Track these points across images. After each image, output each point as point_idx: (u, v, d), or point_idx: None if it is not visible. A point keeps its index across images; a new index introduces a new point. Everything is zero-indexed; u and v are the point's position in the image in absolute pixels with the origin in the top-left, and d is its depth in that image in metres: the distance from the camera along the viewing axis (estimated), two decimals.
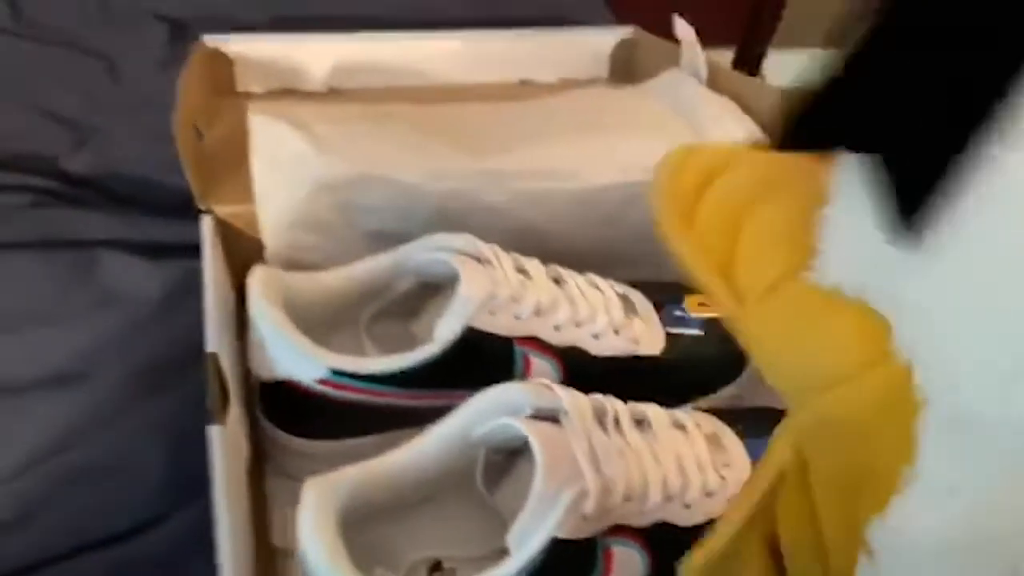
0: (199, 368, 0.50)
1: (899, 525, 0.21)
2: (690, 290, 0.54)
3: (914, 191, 0.18)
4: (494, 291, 0.43)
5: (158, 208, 0.62)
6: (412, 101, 0.61)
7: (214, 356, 0.40)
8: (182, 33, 0.79)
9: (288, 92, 0.65)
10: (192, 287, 0.54)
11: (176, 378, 0.49)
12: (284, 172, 0.47)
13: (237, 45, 0.64)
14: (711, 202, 0.30)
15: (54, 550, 0.42)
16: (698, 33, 0.64)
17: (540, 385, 0.40)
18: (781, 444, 0.26)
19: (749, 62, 1.40)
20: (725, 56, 1.48)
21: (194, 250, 0.56)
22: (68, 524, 0.43)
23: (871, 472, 0.22)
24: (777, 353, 0.26)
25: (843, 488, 0.23)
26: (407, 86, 0.68)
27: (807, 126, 0.21)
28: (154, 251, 0.56)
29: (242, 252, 0.50)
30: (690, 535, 0.40)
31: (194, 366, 0.50)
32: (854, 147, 0.20)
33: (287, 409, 0.45)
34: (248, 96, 0.64)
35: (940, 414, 0.20)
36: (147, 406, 0.48)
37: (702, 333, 0.52)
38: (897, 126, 0.19)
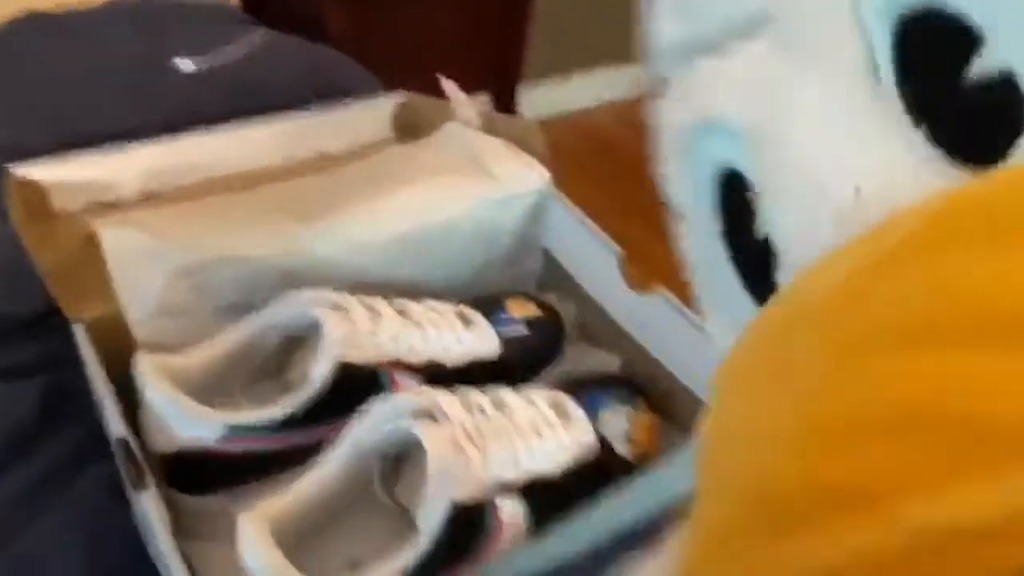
0: (86, 468, 0.54)
1: None
2: (507, 296, 0.65)
3: None
4: (353, 329, 0.51)
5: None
6: (224, 191, 0.68)
7: (123, 440, 0.45)
8: None
9: (104, 205, 0.69)
10: (56, 400, 0.58)
11: (66, 484, 0.53)
12: (140, 270, 0.53)
13: (44, 171, 0.68)
14: None
15: None
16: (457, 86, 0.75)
17: (415, 391, 0.48)
18: None
19: (505, 101, 1.56)
20: (483, 99, 1.64)
21: (46, 366, 0.60)
22: None
23: None
24: None
25: None
26: (216, 178, 0.74)
27: None
28: (9, 375, 0.59)
29: (107, 351, 0.54)
30: (555, 481, 0.50)
31: (80, 469, 0.54)
32: None
33: (191, 473, 0.50)
34: (66, 215, 0.68)
35: None
36: (46, 515, 0.51)
37: (527, 332, 0.62)
38: None
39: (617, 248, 0.61)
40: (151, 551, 0.48)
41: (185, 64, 0.89)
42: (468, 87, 0.81)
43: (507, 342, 0.60)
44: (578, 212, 0.64)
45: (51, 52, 0.94)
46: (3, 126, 0.85)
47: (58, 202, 0.68)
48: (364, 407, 0.48)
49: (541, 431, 0.51)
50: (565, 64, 1.91)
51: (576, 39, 1.89)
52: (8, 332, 0.63)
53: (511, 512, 0.47)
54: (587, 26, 1.90)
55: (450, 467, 0.44)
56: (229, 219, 0.58)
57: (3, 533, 0.50)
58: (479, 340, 0.58)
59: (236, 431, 0.49)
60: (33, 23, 0.97)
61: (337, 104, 0.81)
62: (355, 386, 0.51)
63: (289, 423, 0.50)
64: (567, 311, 0.66)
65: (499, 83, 1.51)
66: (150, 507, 0.42)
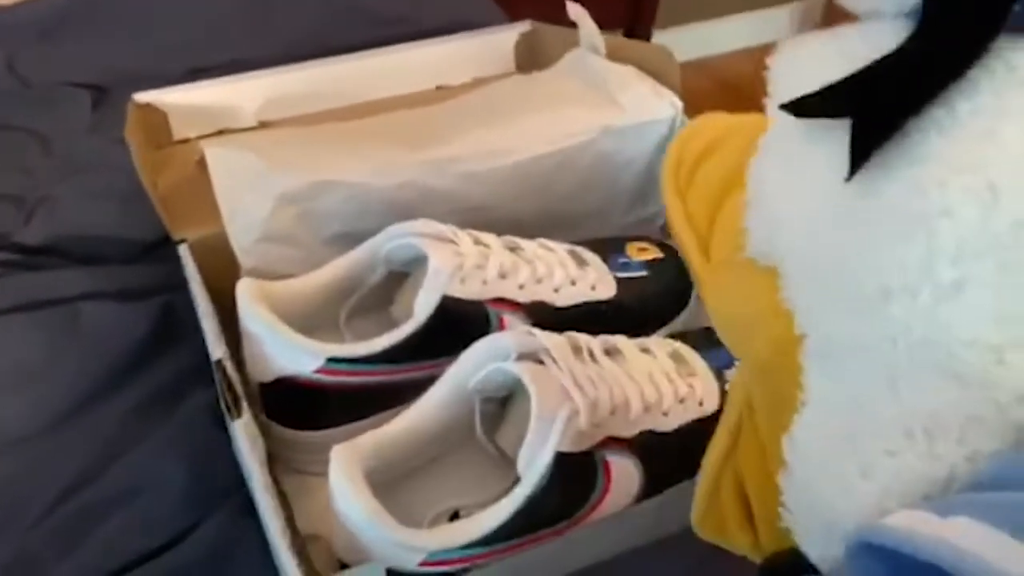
0: (196, 389, 0.53)
1: (797, 436, 0.26)
2: (628, 239, 0.60)
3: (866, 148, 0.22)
4: (461, 262, 0.48)
5: (117, 259, 0.64)
6: (341, 120, 0.66)
7: (220, 362, 0.43)
8: (104, 97, 0.81)
9: (222, 132, 0.69)
10: (171, 321, 0.58)
11: (176, 402, 0.52)
12: (246, 193, 0.51)
13: (166, 97, 0.67)
14: (702, 177, 0.34)
15: None
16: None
17: (521, 332, 0.44)
18: (735, 391, 0.31)
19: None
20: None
21: (164, 288, 0.60)
22: (105, 549, 0.46)
23: (783, 400, 0.26)
24: (717, 313, 0.31)
25: (771, 417, 0.28)
26: (333, 108, 0.72)
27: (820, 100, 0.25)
28: (128, 296, 0.59)
29: (214, 274, 0.53)
30: (671, 439, 0.46)
31: (190, 389, 0.53)
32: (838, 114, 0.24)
33: (289, 404, 0.48)
34: (186, 142, 0.68)
35: (812, 345, 0.25)
36: (156, 431, 0.50)
37: (647, 273, 0.57)
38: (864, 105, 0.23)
39: None
40: (247, 478, 0.47)
41: None
42: (600, 26, 0.76)
43: (623, 285, 0.56)
44: None
45: None
46: (137, 58, 0.87)
47: (178, 128, 0.68)
48: (468, 346, 0.45)
49: (658, 383, 0.46)
50: (699, 9, 1.80)
51: None
52: (126, 256, 0.64)
53: (622, 468, 0.43)
54: None
55: (556, 414, 0.40)
56: (340, 146, 0.56)
57: (115, 446, 0.50)
58: (593, 281, 0.54)
59: (336, 363, 0.46)
60: None
61: (458, 35, 0.78)
62: (460, 322, 0.48)
63: (390, 357, 0.47)
64: None
65: (632, 24, 1.44)
66: (242, 437, 0.41)
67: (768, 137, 0.28)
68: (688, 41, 1.81)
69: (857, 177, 0.22)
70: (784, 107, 0.25)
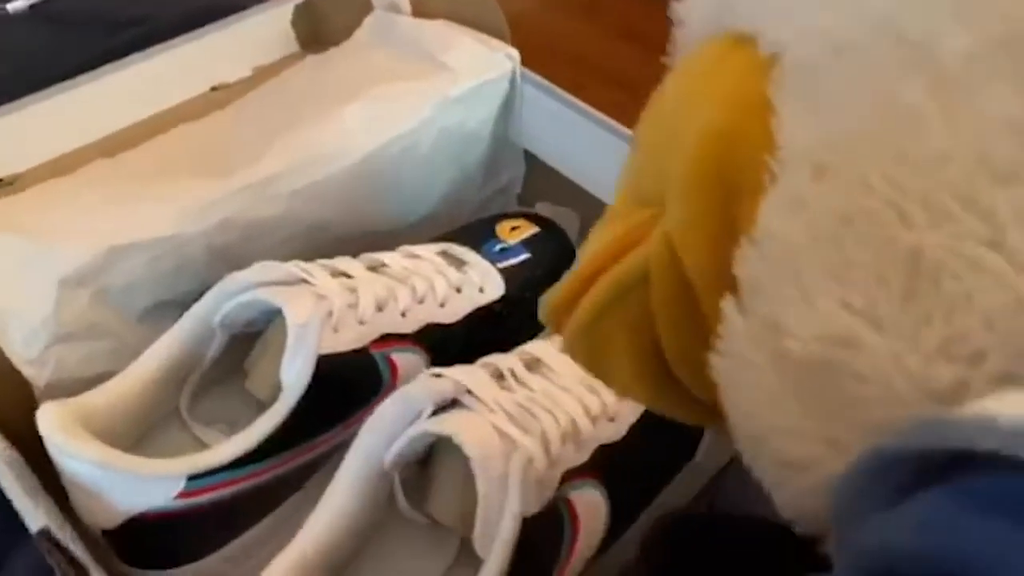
0: (13, 557, 0.41)
1: (767, 224, 0.18)
2: (495, 220, 0.52)
3: None
4: (328, 307, 0.38)
5: None
6: (104, 154, 0.52)
7: (46, 532, 0.32)
8: None
9: None
10: None
11: None
12: (17, 286, 0.38)
13: None
14: None
15: None
16: None
17: (429, 377, 0.35)
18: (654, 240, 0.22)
19: None
20: None
21: None
22: None
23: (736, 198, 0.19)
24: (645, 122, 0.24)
25: (716, 229, 0.20)
26: (91, 143, 0.57)
27: None
28: None
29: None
30: (626, 448, 0.39)
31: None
32: None
33: (147, 545, 0.37)
34: None
35: (789, 61, 0.18)
36: None
37: (529, 255, 0.50)
38: None
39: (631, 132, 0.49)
40: None
41: (16, 4, 0.70)
42: None
43: (510, 275, 0.48)
44: (566, 95, 0.51)
45: None
46: None
47: None
48: (359, 412, 0.36)
49: (595, 385, 0.39)
50: None
51: None
52: None
53: (588, 504, 0.36)
54: None
55: (507, 470, 0.32)
56: (123, 191, 0.44)
57: None
58: (479, 283, 0.46)
59: (199, 479, 0.36)
60: None
61: (223, 21, 0.65)
62: (344, 381, 0.39)
63: (266, 451, 0.37)
64: (569, 223, 0.54)
65: None
66: None
67: None
68: None
69: None
70: None
